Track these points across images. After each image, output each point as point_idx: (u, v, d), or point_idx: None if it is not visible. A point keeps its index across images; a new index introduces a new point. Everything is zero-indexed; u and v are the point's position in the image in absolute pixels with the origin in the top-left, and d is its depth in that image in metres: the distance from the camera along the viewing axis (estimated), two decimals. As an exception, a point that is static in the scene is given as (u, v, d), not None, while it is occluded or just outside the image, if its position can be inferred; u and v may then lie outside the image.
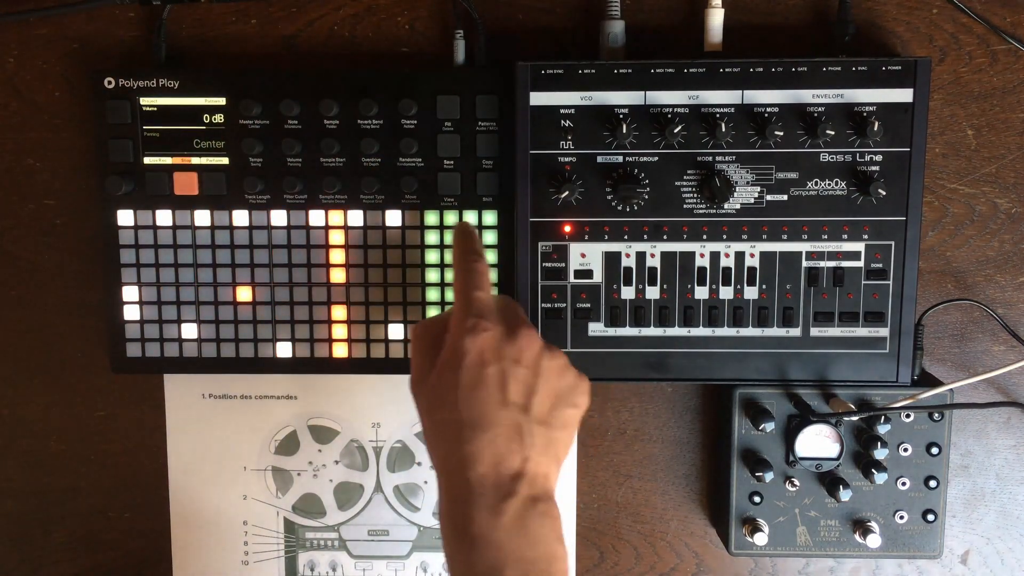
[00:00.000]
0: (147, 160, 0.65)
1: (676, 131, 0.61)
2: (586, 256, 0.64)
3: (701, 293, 0.64)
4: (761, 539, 0.67)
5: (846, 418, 0.66)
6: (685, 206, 0.63)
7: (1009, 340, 0.69)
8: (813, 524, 0.68)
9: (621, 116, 0.62)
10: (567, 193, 0.62)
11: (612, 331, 0.64)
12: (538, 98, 0.62)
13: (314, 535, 0.73)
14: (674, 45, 0.66)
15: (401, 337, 0.67)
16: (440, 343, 0.55)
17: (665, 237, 0.63)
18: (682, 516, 0.73)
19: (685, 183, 0.63)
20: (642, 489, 0.73)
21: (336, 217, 0.65)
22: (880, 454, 0.65)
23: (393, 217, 0.66)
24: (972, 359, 0.70)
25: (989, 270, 0.69)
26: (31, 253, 0.70)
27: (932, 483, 0.67)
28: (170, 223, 0.66)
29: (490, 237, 0.65)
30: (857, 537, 0.67)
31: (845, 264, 0.63)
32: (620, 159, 0.62)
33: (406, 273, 0.66)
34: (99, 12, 0.67)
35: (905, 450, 0.66)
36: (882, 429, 0.65)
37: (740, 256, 0.63)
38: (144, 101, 0.64)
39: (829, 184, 0.62)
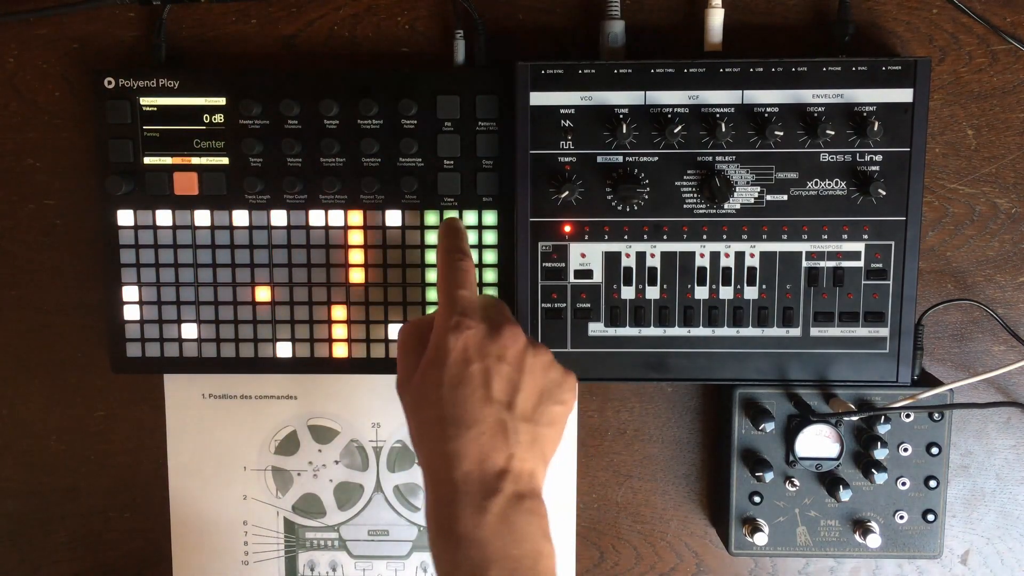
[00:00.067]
0: (147, 160, 0.65)
1: (676, 131, 0.61)
2: (586, 256, 0.64)
3: (701, 293, 0.64)
4: (761, 539, 0.67)
5: (846, 418, 0.66)
6: (685, 206, 0.63)
7: (1009, 340, 0.69)
8: (813, 524, 0.68)
9: (621, 116, 0.62)
10: (567, 193, 0.62)
11: (612, 331, 0.64)
12: (538, 98, 0.62)
13: (314, 535, 0.73)
14: (674, 45, 0.66)
15: (401, 337, 0.67)
16: (426, 343, 0.55)
17: (665, 237, 0.63)
18: (682, 516, 0.73)
19: (685, 183, 0.63)
20: (642, 489, 0.73)
21: (336, 217, 0.65)
22: (880, 454, 0.65)
23: (393, 217, 0.66)
24: (972, 359, 0.70)
25: (989, 270, 0.69)
26: (31, 253, 0.70)
27: (932, 483, 0.67)
28: (170, 223, 0.66)
29: (490, 237, 0.65)
30: (857, 537, 0.67)
31: (845, 264, 0.63)
32: (620, 159, 0.62)
33: (406, 273, 0.66)
34: (99, 12, 0.67)
35: (905, 450, 0.66)
36: (882, 429, 0.65)
37: (740, 256, 0.63)
38: (144, 101, 0.64)
39: (829, 184, 0.62)
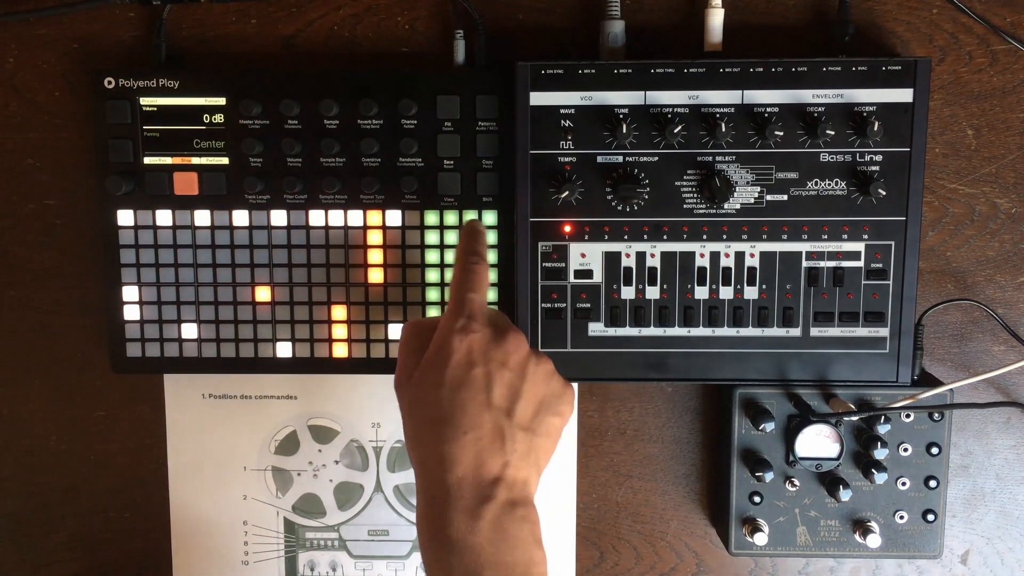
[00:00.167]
0: (147, 160, 0.65)
1: (676, 131, 0.61)
2: (586, 256, 0.64)
3: (701, 293, 0.64)
4: (761, 539, 0.67)
5: (846, 418, 0.66)
6: (685, 206, 0.63)
7: (1009, 340, 0.69)
8: (813, 524, 0.68)
9: (621, 116, 0.62)
10: (567, 193, 0.62)
11: (612, 331, 0.64)
12: (538, 98, 0.62)
13: (314, 535, 0.73)
14: (674, 45, 0.66)
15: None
16: (428, 344, 0.55)
17: (665, 237, 0.63)
18: (682, 516, 0.73)
19: (685, 183, 0.63)
20: (642, 489, 0.73)
21: (336, 217, 0.65)
22: (880, 454, 0.65)
23: (393, 217, 0.66)
24: (972, 359, 0.70)
25: (989, 270, 0.69)
26: (31, 253, 0.70)
27: (932, 483, 0.67)
28: (170, 223, 0.66)
29: (490, 237, 0.65)
30: (857, 537, 0.67)
31: (845, 264, 0.63)
32: (620, 159, 0.62)
33: (406, 273, 0.66)
34: (99, 12, 0.67)
35: (905, 450, 0.66)
36: (882, 429, 0.65)
37: (740, 256, 0.63)
38: (144, 101, 0.64)
39: (829, 184, 0.62)
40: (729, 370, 0.65)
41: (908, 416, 0.66)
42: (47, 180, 0.69)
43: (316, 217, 0.65)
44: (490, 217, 0.65)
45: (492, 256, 0.66)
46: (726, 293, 0.64)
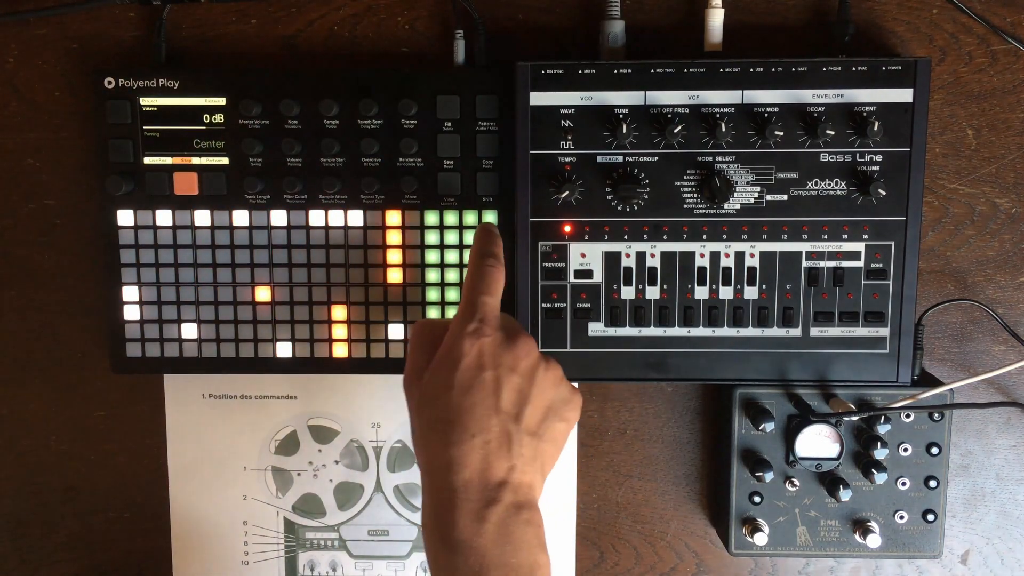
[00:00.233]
0: (147, 160, 0.65)
1: (676, 131, 0.61)
2: (586, 256, 0.64)
3: (701, 293, 0.64)
4: (761, 539, 0.67)
5: (846, 418, 0.66)
6: (685, 206, 0.63)
7: (1009, 340, 0.69)
8: (813, 524, 0.68)
9: (621, 116, 0.62)
10: (567, 193, 0.62)
11: (612, 331, 0.64)
12: (538, 98, 0.62)
13: (314, 535, 0.73)
14: (674, 45, 0.66)
15: (401, 337, 0.67)
16: (438, 343, 0.55)
17: (665, 237, 0.63)
18: (682, 516, 0.73)
19: (685, 183, 0.63)
20: (642, 489, 0.73)
21: (336, 217, 0.65)
22: (880, 454, 0.65)
23: (393, 217, 0.66)
24: (972, 359, 0.70)
25: (989, 270, 0.69)
26: (31, 253, 0.70)
27: (932, 483, 0.67)
28: (170, 223, 0.66)
29: (490, 237, 0.65)
30: (857, 537, 0.67)
31: (845, 264, 0.63)
32: (620, 159, 0.62)
33: (406, 273, 0.66)
34: (99, 12, 0.67)
35: (905, 450, 0.66)
36: (882, 429, 0.65)
37: (740, 256, 0.63)
38: (144, 101, 0.64)
39: (829, 184, 0.62)
40: (729, 370, 0.65)
41: (908, 416, 0.66)
42: (47, 180, 0.69)
43: (316, 217, 0.65)
44: (490, 217, 0.65)
45: (492, 256, 0.66)
46: (726, 293, 0.64)
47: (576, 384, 0.67)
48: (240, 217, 0.65)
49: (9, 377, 0.71)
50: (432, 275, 0.66)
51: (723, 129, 0.61)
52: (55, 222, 0.69)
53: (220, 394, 0.71)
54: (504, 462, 0.51)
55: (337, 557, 0.73)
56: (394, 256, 0.66)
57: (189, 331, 0.66)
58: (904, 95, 0.61)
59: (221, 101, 0.64)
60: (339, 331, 0.67)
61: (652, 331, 0.64)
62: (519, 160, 0.63)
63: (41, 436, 0.72)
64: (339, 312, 0.66)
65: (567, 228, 0.63)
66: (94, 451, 0.72)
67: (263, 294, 0.66)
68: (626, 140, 0.61)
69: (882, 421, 0.65)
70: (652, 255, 0.64)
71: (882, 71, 0.61)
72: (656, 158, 0.62)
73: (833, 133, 0.61)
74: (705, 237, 0.63)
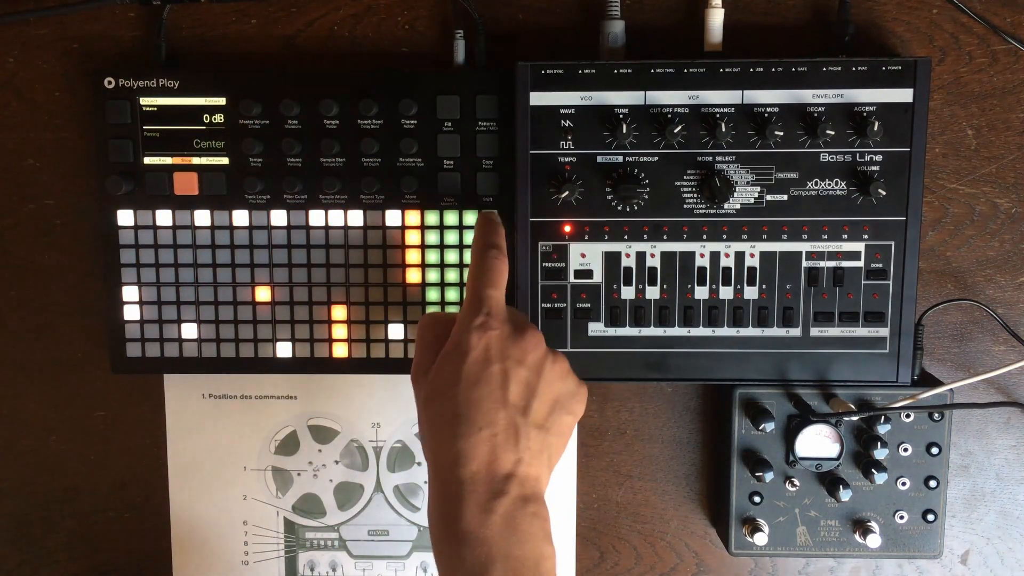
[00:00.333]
0: (147, 160, 0.65)
1: (676, 131, 0.61)
2: (586, 256, 0.64)
3: (701, 293, 0.64)
4: (761, 539, 0.67)
5: (846, 418, 0.66)
6: (685, 206, 0.63)
7: (1009, 340, 0.69)
8: (813, 524, 0.68)
9: (621, 116, 0.62)
10: (567, 193, 0.62)
11: (612, 331, 0.64)
12: (538, 98, 0.62)
13: (314, 535, 0.73)
14: (674, 45, 0.66)
15: (401, 337, 0.67)
16: (445, 337, 0.55)
17: (665, 237, 0.63)
18: (682, 516, 0.73)
19: (685, 183, 0.63)
20: (642, 489, 0.73)
21: (336, 217, 0.65)
22: (880, 454, 0.65)
23: (393, 217, 0.66)
24: (972, 359, 0.70)
25: (989, 270, 0.69)
26: (31, 253, 0.70)
27: (932, 483, 0.67)
28: (170, 223, 0.66)
29: (490, 237, 0.65)
30: (857, 537, 0.67)
31: (845, 264, 0.63)
32: (620, 159, 0.62)
33: (406, 273, 0.66)
34: (99, 12, 0.67)
35: (905, 450, 0.66)
36: (882, 429, 0.65)
37: (740, 256, 0.63)
38: (144, 101, 0.64)
39: (829, 184, 0.62)
40: (729, 370, 0.65)
41: (908, 416, 0.66)
42: (47, 180, 0.69)
43: (316, 217, 0.65)
44: (490, 217, 0.65)
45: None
46: (726, 293, 0.64)
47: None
48: (240, 217, 0.65)
49: (9, 377, 0.71)
50: (432, 275, 0.66)
51: (723, 129, 0.61)
52: (55, 222, 0.69)
53: (220, 394, 0.71)
54: (511, 455, 0.51)
55: (337, 557, 0.73)
56: (394, 256, 0.66)
57: (189, 331, 0.66)
58: (904, 95, 0.61)
59: (221, 101, 0.64)
60: (339, 331, 0.67)
61: (652, 331, 0.64)
62: (519, 160, 0.63)
63: (41, 436, 0.72)
64: (339, 312, 0.66)
65: (567, 228, 0.63)
66: (94, 451, 0.72)
67: (263, 294, 0.66)
68: (626, 140, 0.61)
69: (882, 421, 0.65)
70: (652, 255, 0.64)
71: (882, 71, 0.61)
72: (656, 158, 0.62)
73: (833, 133, 0.61)
74: (705, 237, 0.63)
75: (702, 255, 0.63)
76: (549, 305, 0.64)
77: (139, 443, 0.72)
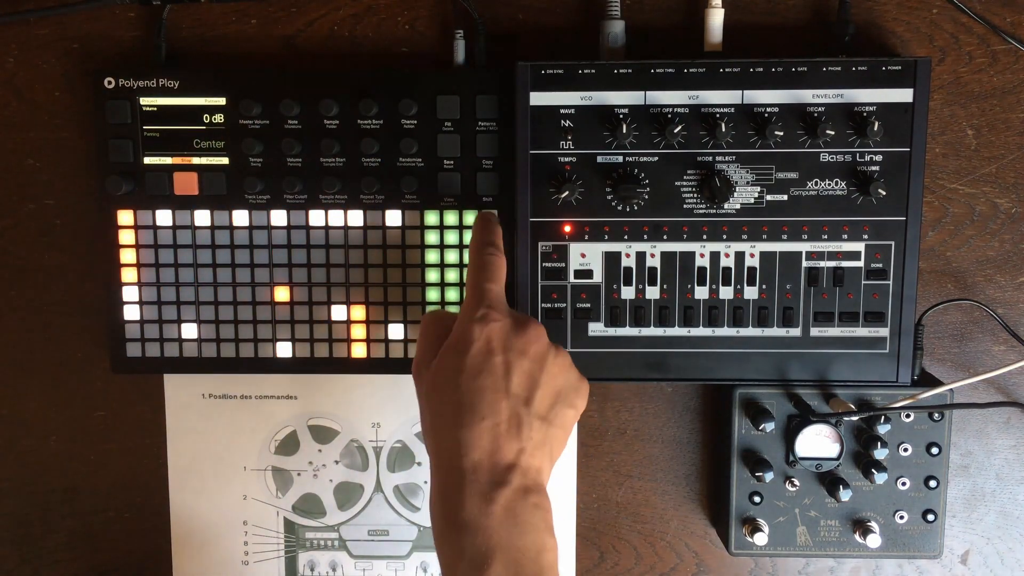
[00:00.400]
0: (147, 160, 0.65)
1: (676, 131, 0.61)
2: (586, 256, 0.64)
3: (701, 293, 0.64)
4: (761, 539, 0.67)
5: (846, 418, 0.66)
6: (685, 206, 0.63)
7: (1009, 340, 0.69)
8: (813, 524, 0.68)
9: (621, 116, 0.62)
10: (567, 193, 0.62)
11: (612, 331, 0.64)
12: (538, 98, 0.62)
13: (314, 535, 0.73)
14: (674, 45, 0.66)
15: (401, 337, 0.67)
16: (447, 333, 0.55)
17: (665, 237, 0.63)
18: (682, 516, 0.73)
19: (685, 183, 0.63)
20: (642, 489, 0.73)
21: (336, 217, 0.65)
22: (880, 454, 0.65)
23: (393, 217, 0.66)
24: (972, 359, 0.70)
25: (989, 270, 0.69)
26: (31, 253, 0.70)
27: (932, 483, 0.67)
28: (170, 223, 0.66)
29: (490, 237, 0.65)
30: (857, 537, 0.67)
31: (845, 264, 0.63)
32: (620, 159, 0.62)
33: (406, 273, 0.66)
34: (99, 12, 0.67)
35: (905, 450, 0.66)
36: (882, 429, 0.65)
37: (740, 256, 0.63)
38: (144, 101, 0.64)
39: (829, 184, 0.62)
40: (729, 370, 0.65)
41: (908, 416, 0.66)
42: (47, 180, 0.69)
43: (316, 217, 0.65)
44: (490, 217, 0.65)
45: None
46: (726, 293, 0.64)
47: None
48: (240, 217, 0.65)
49: (9, 377, 0.71)
50: (432, 275, 0.66)
51: (723, 129, 0.61)
52: (55, 222, 0.69)
53: (220, 394, 0.71)
54: (514, 445, 0.51)
55: (337, 557, 0.73)
56: (394, 256, 0.66)
57: (189, 331, 0.66)
58: (904, 95, 0.61)
59: (221, 101, 0.64)
60: (339, 331, 0.67)
61: (652, 331, 0.64)
62: (519, 160, 0.63)
63: (41, 436, 0.72)
64: (339, 312, 0.66)
65: (567, 228, 0.63)
66: (94, 451, 0.72)
67: (263, 294, 0.66)
68: (626, 140, 0.61)
69: (882, 421, 0.65)
70: (652, 255, 0.64)
71: (882, 71, 0.61)
72: (656, 158, 0.62)
73: (833, 133, 0.61)
74: (705, 237, 0.63)
75: (702, 255, 0.63)
76: (549, 305, 0.64)
77: (139, 443, 0.72)
